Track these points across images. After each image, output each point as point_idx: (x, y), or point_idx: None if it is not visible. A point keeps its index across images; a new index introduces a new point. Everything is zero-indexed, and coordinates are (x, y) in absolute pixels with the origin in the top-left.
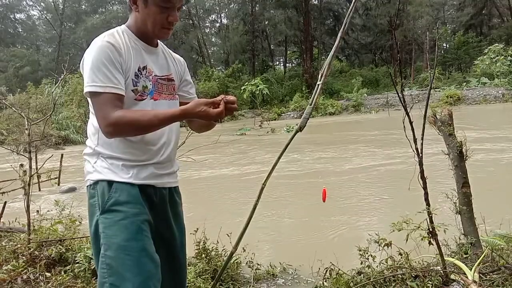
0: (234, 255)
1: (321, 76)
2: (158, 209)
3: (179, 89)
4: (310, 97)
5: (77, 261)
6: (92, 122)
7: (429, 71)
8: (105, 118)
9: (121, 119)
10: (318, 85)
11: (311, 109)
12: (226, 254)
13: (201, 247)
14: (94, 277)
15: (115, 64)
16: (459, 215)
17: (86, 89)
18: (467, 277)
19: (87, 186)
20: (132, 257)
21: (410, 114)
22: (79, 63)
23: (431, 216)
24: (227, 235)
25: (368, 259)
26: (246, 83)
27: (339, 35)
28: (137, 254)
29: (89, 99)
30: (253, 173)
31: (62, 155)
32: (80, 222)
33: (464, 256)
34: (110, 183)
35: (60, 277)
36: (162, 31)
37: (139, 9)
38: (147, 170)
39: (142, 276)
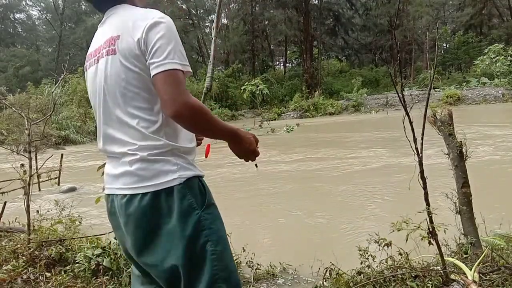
0: (234, 255)
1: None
2: None
3: None
4: (310, 97)
5: (77, 261)
6: (146, 117)
7: (429, 71)
8: (184, 97)
9: (200, 104)
10: (214, 37)
11: (212, 65)
12: None
13: None
14: (94, 277)
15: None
16: (459, 215)
17: (171, 66)
18: (467, 277)
19: (174, 187)
20: (230, 248)
21: (410, 114)
22: (79, 63)
23: (431, 216)
24: (227, 234)
25: (368, 259)
26: (246, 83)
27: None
28: (229, 245)
29: (145, 80)
30: (252, 173)
31: (62, 155)
32: (80, 222)
33: (464, 256)
34: (199, 177)
35: (60, 277)
36: None
37: None
38: None
39: (235, 266)
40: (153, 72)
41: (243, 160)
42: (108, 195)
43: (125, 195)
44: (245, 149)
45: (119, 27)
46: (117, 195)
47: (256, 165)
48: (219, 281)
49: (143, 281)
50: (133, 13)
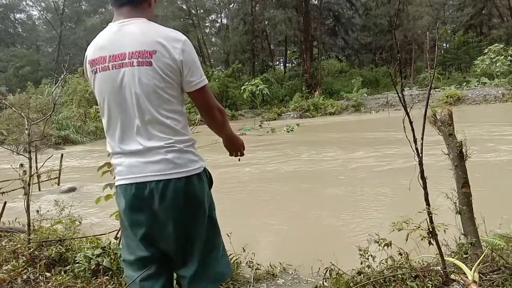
0: (233, 255)
1: None
2: None
3: None
4: (310, 97)
5: (77, 261)
6: (176, 117)
7: (429, 71)
8: (217, 103)
9: (223, 108)
10: None
11: None
12: None
13: None
14: (94, 277)
15: None
16: (459, 215)
17: (205, 81)
18: (467, 277)
19: (200, 173)
20: None
21: (410, 114)
22: (79, 63)
23: (431, 216)
24: (227, 235)
25: (368, 259)
26: (246, 83)
27: None
28: None
29: (176, 88)
30: (252, 173)
31: (62, 155)
32: (80, 222)
33: (464, 256)
34: None
35: (60, 277)
36: None
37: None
38: None
39: None
40: (194, 88)
41: (230, 154)
42: (132, 183)
43: (160, 180)
44: (238, 145)
45: (151, 43)
46: (150, 181)
47: (239, 160)
48: (221, 239)
49: (139, 266)
50: (160, 31)
